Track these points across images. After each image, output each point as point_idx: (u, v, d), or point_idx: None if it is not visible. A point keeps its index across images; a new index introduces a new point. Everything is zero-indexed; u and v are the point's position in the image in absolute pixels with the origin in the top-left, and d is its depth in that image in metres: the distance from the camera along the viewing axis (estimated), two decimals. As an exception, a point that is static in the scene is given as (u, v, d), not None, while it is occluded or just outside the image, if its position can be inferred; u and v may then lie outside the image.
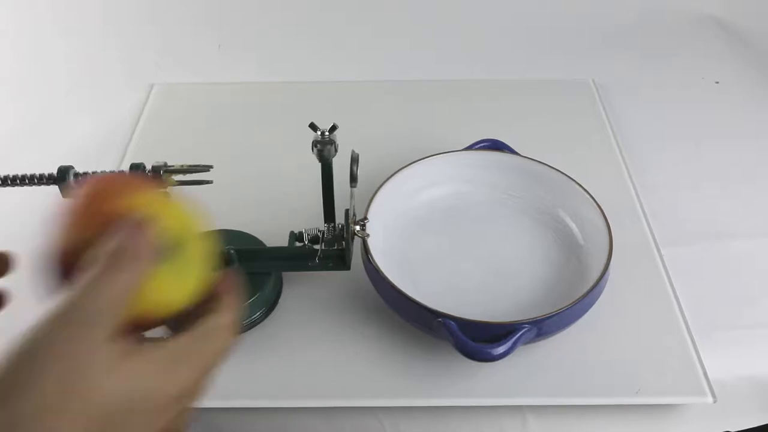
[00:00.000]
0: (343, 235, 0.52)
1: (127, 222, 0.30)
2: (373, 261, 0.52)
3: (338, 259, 0.53)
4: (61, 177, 0.45)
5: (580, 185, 0.59)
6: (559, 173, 0.60)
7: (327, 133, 0.46)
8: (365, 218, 0.54)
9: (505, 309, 0.54)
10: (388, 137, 0.69)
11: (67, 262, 0.30)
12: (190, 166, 0.46)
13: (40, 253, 0.31)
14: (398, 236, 0.59)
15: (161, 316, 0.31)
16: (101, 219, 0.30)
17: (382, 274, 0.51)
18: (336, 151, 0.47)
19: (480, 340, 0.48)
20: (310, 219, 0.53)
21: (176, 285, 0.31)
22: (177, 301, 0.31)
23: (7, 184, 0.46)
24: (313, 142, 0.47)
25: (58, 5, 0.89)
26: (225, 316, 0.32)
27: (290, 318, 0.55)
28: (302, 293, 0.57)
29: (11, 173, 0.46)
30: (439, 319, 0.48)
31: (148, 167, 0.47)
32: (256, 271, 0.53)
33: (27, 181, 0.46)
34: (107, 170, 0.47)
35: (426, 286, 0.55)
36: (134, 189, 0.32)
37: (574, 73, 0.82)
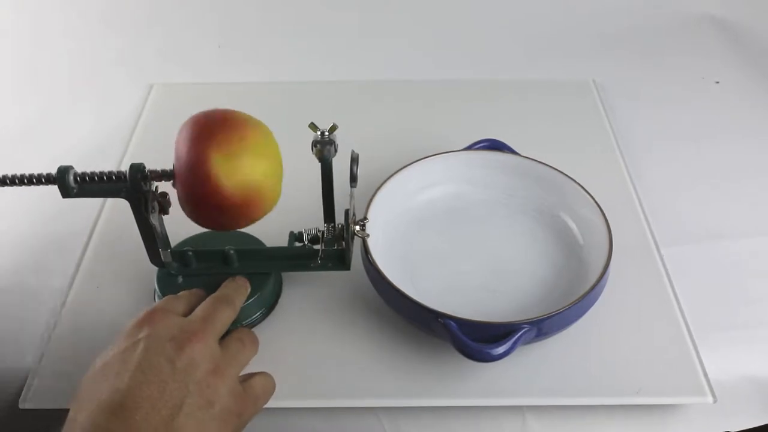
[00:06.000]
0: (343, 235, 0.52)
1: (232, 279, 0.52)
2: (373, 261, 0.52)
3: (338, 259, 0.53)
4: (61, 177, 0.45)
5: (580, 185, 0.59)
6: (559, 173, 0.60)
7: (327, 133, 0.46)
8: (365, 218, 0.54)
9: (505, 309, 0.54)
10: (388, 137, 0.69)
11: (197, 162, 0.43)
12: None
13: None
14: (398, 236, 0.59)
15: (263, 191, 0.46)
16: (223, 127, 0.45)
17: (382, 274, 0.51)
18: (336, 151, 0.47)
19: (480, 340, 0.48)
20: (309, 219, 0.53)
21: (264, 165, 0.45)
22: (266, 174, 0.45)
23: (6, 184, 0.46)
24: (312, 142, 0.46)
25: (58, 5, 0.89)
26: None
27: (290, 318, 0.55)
28: (302, 293, 0.57)
29: (11, 173, 0.46)
30: (439, 320, 0.48)
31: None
32: (256, 271, 0.53)
33: (26, 181, 0.46)
34: (107, 170, 0.47)
35: (426, 285, 0.55)
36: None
37: (574, 73, 0.82)
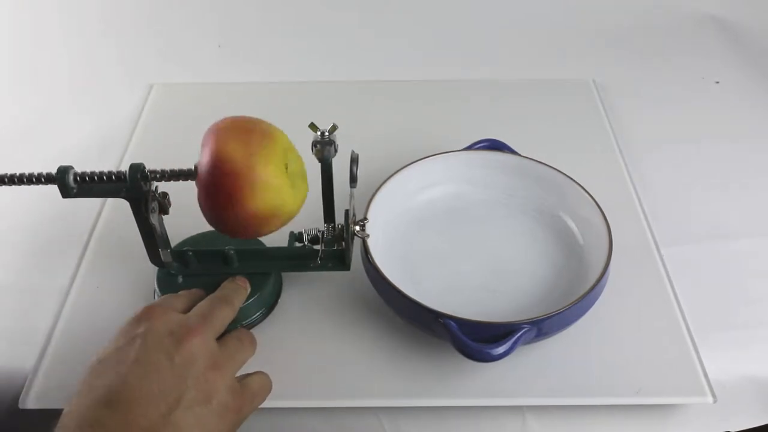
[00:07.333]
0: (343, 235, 0.51)
1: (231, 279, 0.52)
2: (373, 261, 0.52)
3: (338, 260, 0.53)
4: (61, 177, 0.45)
5: (580, 185, 0.59)
6: (559, 173, 0.60)
7: (327, 134, 0.46)
8: (365, 218, 0.54)
9: (505, 309, 0.54)
10: (388, 137, 0.69)
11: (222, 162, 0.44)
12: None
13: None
14: (398, 236, 0.59)
15: (284, 215, 0.46)
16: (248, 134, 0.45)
17: (382, 274, 0.51)
18: (336, 151, 0.47)
19: (480, 340, 0.47)
20: (309, 219, 0.53)
21: (291, 191, 0.46)
22: (291, 201, 0.46)
23: (6, 184, 0.46)
24: (312, 142, 0.46)
25: (58, 5, 0.89)
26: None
27: (290, 318, 0.55)
28: (302, 294, 0.57)
29: (10, 172, 0.46)
30: (439, 320, 0.48)
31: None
32: (256, 271, 0.53)
33: (26, 180, 0.46)
34: (106, 170, 0.47)
35: (426, 286, 0.55)
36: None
37: (574, 73, 0.82)
